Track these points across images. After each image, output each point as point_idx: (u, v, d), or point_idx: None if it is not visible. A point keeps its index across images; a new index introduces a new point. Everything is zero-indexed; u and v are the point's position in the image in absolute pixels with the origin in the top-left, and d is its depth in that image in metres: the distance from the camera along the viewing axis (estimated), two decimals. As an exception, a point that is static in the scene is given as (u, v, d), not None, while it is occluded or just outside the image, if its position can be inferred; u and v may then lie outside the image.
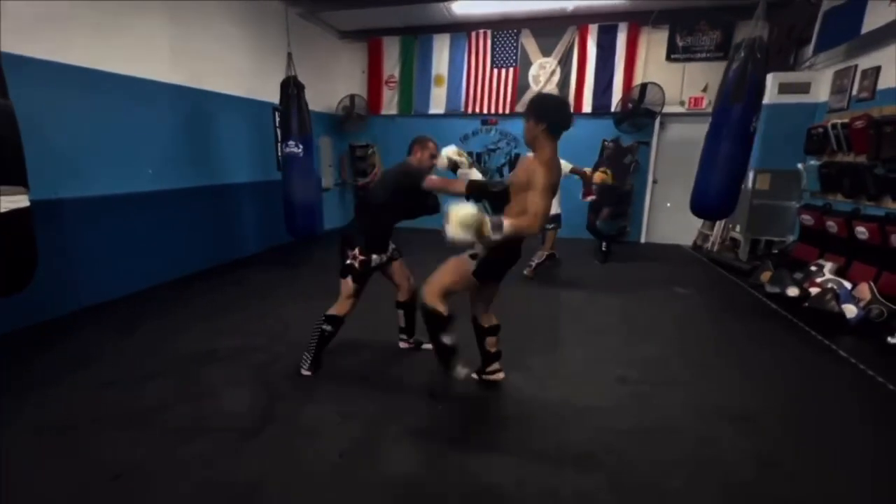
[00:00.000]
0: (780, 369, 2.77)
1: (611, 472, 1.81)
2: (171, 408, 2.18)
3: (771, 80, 4.88)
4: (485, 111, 6.79)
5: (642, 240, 6.67)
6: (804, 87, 4.90)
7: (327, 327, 2.48)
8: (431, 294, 2.12)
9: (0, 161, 2.09)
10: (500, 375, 2.44)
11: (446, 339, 2.13)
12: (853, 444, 2.04)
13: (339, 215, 7.49)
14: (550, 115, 1.99)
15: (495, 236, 1.89)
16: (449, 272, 2.16)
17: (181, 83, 4.29)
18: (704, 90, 6.00)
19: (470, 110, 6.86)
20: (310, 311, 3.51)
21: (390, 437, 2.00)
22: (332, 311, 2.48)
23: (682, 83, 6.10)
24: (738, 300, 4.10)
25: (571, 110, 2.13)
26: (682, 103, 6.12)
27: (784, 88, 4.93)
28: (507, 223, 1.89)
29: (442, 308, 2.11)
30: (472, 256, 2.11)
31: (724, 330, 3.39)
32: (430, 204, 2.52)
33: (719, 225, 5.89)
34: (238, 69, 5.05)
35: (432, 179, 2.30)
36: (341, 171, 7.43)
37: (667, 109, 6.08)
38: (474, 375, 2.44)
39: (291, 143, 4.56)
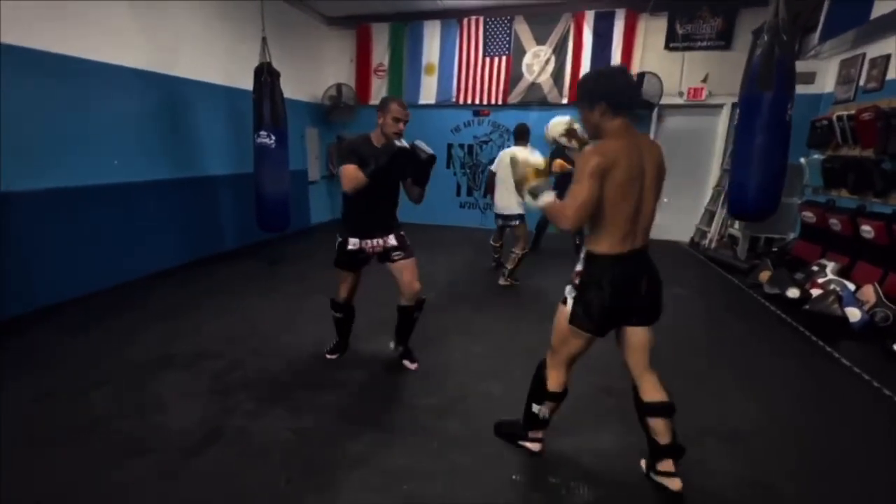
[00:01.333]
0: (777, 379, 2.58)
1: (586, 500, 1.63)
2: (112, 423, 1.99)
3: (774, 70, 4.65)
4: (476, 101, 6.55)
5: (638, 236, 6.46)
6: (808, 77, 4.67)
7: (333, 312, 2.58)
8: (550, 359, 1.72)
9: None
10: (676, 484, 1.61)
11: (535, 409, 1.75)
12: (853, 465, 1.86)
13: (327, 208, 7.28)
14: (602, 86, 1.47)
15: (528, 198, 1.58)
16: (555, 329, 1.67)
17: (152, 69, 4.05)
18: (705, 80, 5.75)
19: (461, 100, 6.61)
20: (279, 311, 3.35)
21: (347, 460, 1.82)
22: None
23: (681, 73, 5.85)
24: (734, 301, 3.91)
25: (632, 76, 1.61)
26: (680, 94, 5.87)
27: (787, 78, 4.68)
28: (548, 198, 1.53)
29: (553, 378, 1.69)
30: (564, 302, 1.61)
31: (718, 335, 3.20)
32: (404, 174, 2.26)
33: (717, 221, 5.68)
34: (215, 55, 4.81)
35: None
36: (329, 162, 7.20)
37: (665, 101, 5.83)
38: (643, 466, 1.77)
39: (263, 133, 4.30)
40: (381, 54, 6.79)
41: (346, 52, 6.94)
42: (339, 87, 6.68)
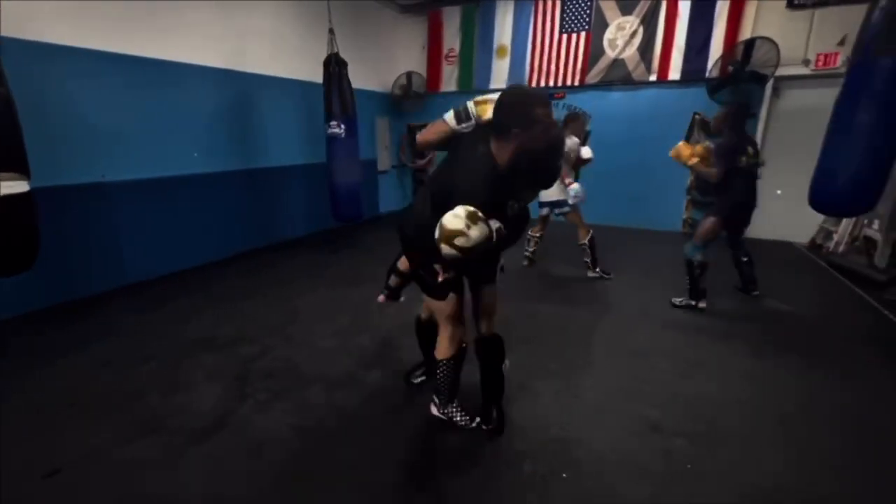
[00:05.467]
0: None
1: None
2: (144, 398, 2.14)
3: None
4: (551, 84, 6.05)
5: (739, 235, 5.49)
6: None
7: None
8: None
9: (-2, 148, 2.15)
10: None
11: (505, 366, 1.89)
12: None
13: (397, 198, 7.38)
14: None
15: None
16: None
17: (228, 67, 4.35)
18: (841, 44, 4.61)
19: (535, 83, 6.16)
20: (323, 302, 3.41)
21: (336, 465, 1.72)
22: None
23: (808, 36, 4.76)
24: (858, 324, 3.08)
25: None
26: (806, 62, 4.79)
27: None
28: None
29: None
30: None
31: (824, 366, 2.51)
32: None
33: (849, 220, 4.57)
34: (287, 50, 5.02)
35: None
36: (400, 152, 7.25)
37: (783, 71, 4.81)
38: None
39: (333, 123, 4.43)
40: (451, 39, 6.59)
41: (417, 40, 6.86)
42: (409, 75, 6.64)
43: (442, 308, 1.77)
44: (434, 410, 2.00)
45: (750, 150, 3.08)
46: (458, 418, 1.94)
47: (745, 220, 3.28)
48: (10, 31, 2.86)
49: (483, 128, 1.58)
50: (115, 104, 3.48)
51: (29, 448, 1.80)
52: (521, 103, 1.50)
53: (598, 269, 3.98)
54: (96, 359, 2.50)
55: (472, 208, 1.37)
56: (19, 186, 2.18)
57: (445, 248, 1.37)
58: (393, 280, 2.34)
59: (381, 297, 2.40)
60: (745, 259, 3.46)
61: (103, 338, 2.76)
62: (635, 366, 2.49)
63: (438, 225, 1.39)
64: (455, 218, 1.35)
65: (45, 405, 2.09)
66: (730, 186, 3.10)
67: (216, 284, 3.77)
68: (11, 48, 2.79)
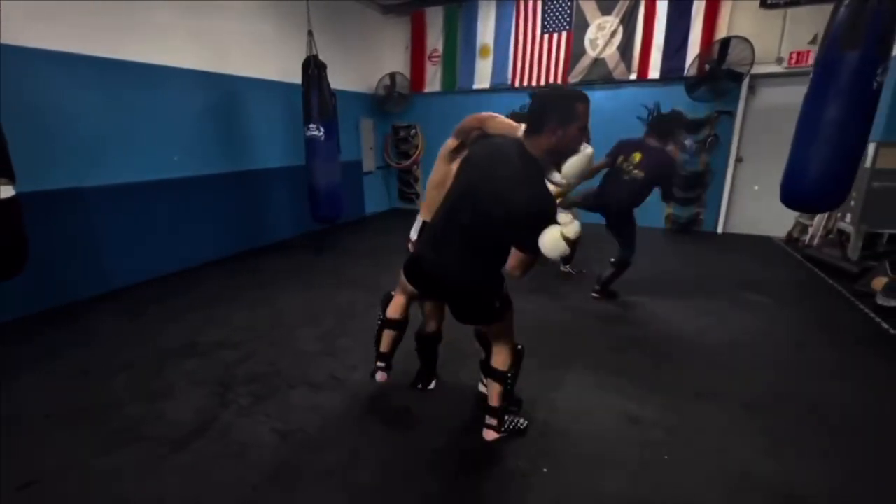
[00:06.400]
0: (873, 423, 2.00)
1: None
2: (122, 407, 2.11)
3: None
4: (533, 83, 6.09)
5: (719, 229, 5.60)
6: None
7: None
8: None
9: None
10: (488, 434, 1.84)
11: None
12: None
13: (382, 199, 7.38)
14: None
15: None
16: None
17: (207, 69, 4.29)
18: (813, 42, 4.73)
19: (517, 83, 6.21)
20: (307, 305, 3.39)
21: (321, 468, 1.73)
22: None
23: (781, 35, 4.88)
24: (834, 315, 3.18)
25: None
26: (779, 61, 4.91)
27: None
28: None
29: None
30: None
31: (801, 357, 2.60)
32: None
33: (823, 213, 4.70)
34: (268, 51, 4.97)
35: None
36: (385, 152, 7.24)
37: (758, 69, 4.92)
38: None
39: (312, 126, 4.41)
40: (435, 40, 6.59)
41: (401, 40, 6.86)
42: (392, 76, 6.64)
43: (505, 328, 1.76)
44: (493, 435, 1.81)
45: (636, 155, 3.12)
46: (519, 423, 1.93)
47: (607, 215, 3.33)
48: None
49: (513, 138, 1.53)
50: (95, 108, 3.42)
51: (3, 459, 1.77)
52: (561, 96, 1.42)
53: (568, 266, 4.04)
54: (75, 367, 2.46)
55: (564, 211, 1.34)
56: (5, 191, 2.15)
57: (566, 250, 1.33)
58: (386, 340, 2.02)
59: (380, 376, 2.04)
60: (612, 260, 3.38)
61: (83, 345, 2.71)
62: (613, 361, 2.54)
63: (557, 237, 1.30)
64: (570, 225, 1.31)
65: (21, 416, 2.05)
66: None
67: (199, 288, 3.73)
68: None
